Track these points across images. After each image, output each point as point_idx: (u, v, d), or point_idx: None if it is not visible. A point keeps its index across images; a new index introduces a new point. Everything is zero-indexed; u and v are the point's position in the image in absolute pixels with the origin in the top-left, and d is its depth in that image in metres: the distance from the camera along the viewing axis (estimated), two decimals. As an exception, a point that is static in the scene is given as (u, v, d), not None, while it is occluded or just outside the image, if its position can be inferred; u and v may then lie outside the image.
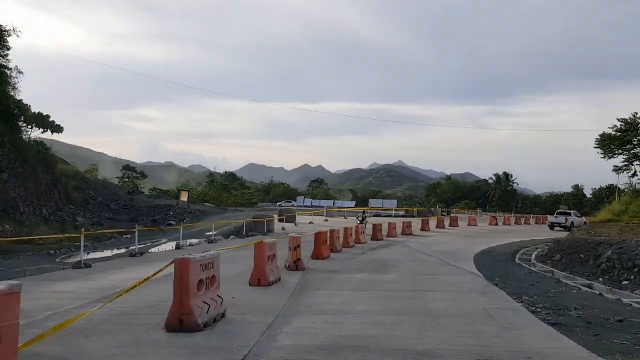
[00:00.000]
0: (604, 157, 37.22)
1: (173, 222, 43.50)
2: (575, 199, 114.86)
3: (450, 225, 43.61)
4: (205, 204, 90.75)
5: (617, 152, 36.85)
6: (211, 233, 30.94)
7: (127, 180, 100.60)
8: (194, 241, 28.74)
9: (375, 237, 29.02)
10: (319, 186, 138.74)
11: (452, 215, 51.55)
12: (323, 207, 62.18)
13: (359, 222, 33.95)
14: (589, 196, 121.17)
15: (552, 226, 44.40)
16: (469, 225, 46.12)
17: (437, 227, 41.24)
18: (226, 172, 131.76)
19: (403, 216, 60.16)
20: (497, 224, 49.17)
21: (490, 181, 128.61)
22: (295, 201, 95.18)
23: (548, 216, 52.30)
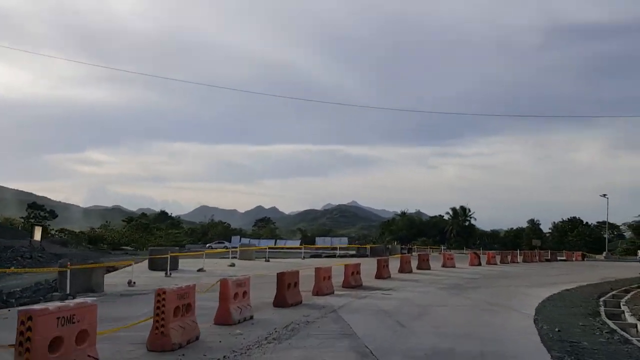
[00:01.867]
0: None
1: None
2: (534, 234, 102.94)
3: (420, 268, 27.87)
4: (123, 247, 73.28)
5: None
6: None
7: (32, 220, 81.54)
8: None
9: (281, 301, 12.87)
10: (264, 225, 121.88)
11: (419, 253, 35.85)
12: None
13: None
14: (546, 230, 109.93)
15: None
16: (445, 266, 30.50)
17: (401, 270, 25.44)
18: (161, 211, 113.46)
19: (353, 256, 44.32)
20: (480, 264, 33.82)
21: (446, 216, 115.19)
22: (230, 241, 78.18)
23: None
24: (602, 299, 16.56)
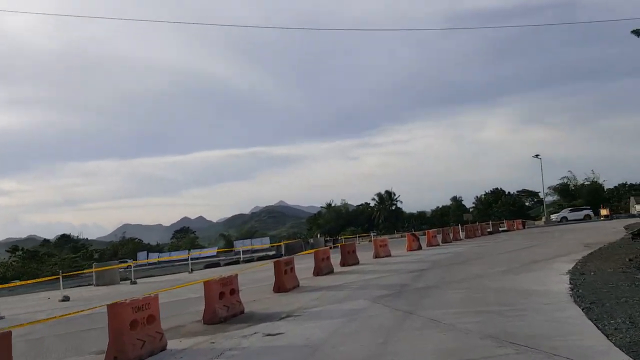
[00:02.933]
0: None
1: None
2: (459, 210, 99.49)
3: (345, 264, 19.60)
4: (14, 281, 60.08)
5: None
6: None
7: None
8: None
9: None
10: (184, 236, 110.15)
11: (344, 242, 27.61)
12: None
13: None
14: (469, 205, 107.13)
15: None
16: (378, 256, 22.45)
17: (318, 272, 17.03)
18: (62, 235, 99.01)
19: (272, 257, 35.65)
20: (420, 247, 26.15)
21: (372, 203, 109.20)
22: (136, 259, 66.85)
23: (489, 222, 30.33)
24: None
